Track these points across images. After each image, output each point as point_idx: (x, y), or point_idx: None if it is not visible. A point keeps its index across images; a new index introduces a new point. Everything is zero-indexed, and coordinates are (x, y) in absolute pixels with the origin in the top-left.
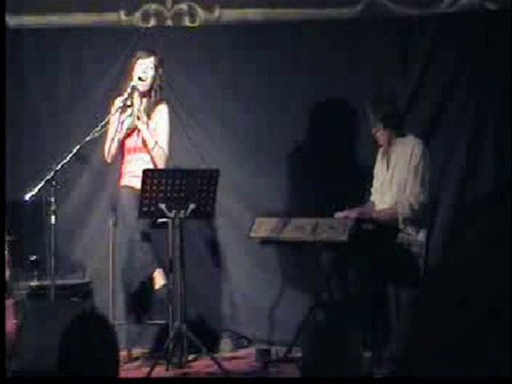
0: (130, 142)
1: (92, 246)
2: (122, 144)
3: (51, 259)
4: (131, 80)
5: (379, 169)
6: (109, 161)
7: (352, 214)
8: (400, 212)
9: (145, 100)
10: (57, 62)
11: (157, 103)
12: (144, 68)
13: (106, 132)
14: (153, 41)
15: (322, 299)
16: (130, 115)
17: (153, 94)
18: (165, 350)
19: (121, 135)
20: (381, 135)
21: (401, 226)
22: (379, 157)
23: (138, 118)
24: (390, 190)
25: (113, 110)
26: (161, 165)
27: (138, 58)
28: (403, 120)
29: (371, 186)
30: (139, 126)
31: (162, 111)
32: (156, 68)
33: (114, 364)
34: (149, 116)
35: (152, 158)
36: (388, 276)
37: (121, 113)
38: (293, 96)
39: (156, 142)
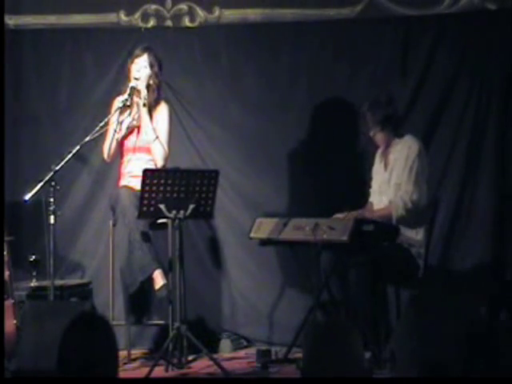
0: (130, 142)
1: (92, 246)
2: (121, 144)
3: (50, 259)
4: (130, 81)
5: (377, 170)
6: (108, 160)
7: (350, 216)
8: (394, 211)
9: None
10: (56, 63)
11: (157, 102)
12: (138, 67)
13: (105, 132)
14: (152, 41)
15: (322, 299)
16: (130, 115)
17: (150, 91)
18: (164, 351)
19: (120, 135)
20: (379, 138)
21: (394, 223)
22: (377, 158)
23: (144, 105)
24: (388, 190)
25: (112, 110)
26: (159, 161)
27: (133, 58)
28: (401, 121)
29: (370, 187)
30: (143, 115)
31: (163, 110)
32: (151, 65)
33: (113, 364)
34: (149, 115)
35: (151, 152)
36: (388, 276)
37: (120, 113)
38: (293, 96)
39: (157, 137)
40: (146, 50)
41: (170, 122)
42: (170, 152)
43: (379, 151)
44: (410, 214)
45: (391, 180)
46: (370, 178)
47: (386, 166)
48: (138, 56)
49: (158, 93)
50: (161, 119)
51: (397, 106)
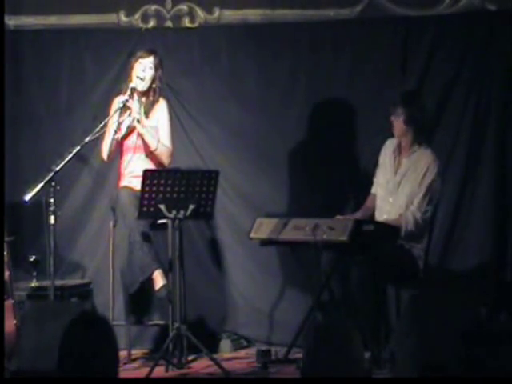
0: (130, 142)
1: (92, 247)
2: (121, 144)
3: (50, 259)
4: (131, 81)
5: (387, 166)
6: (105, 159)
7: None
8: (403, 225)
9: (144, 100)
10: (56, 63)
11: (155, 101)
12: (143, 67)
13: (104, 132)
14: (152, 42)
15: (322, 299)
16: (130, 115)
17: (151, 93)
18: (164, 351)
19: (119, 135)
20: (397, 125)
21: (402, 236)
22: (389, 150)
23: (139, 121)
24: (396, 194)
25: (112, 109)
26: (166, 160)
27: (138, 58)
28: (426, 129)
29: (373, 175)
30: (140, 131)
31: (162, 107)
32: (156, 68)
33: (113, 364)
34: (147, 115)
35: (156, 157)
36: (388, 276)
37: (120, 114)
38: (293, 96)
39: (158, 141)
40: (152, 52)
41: (169, 117)
42: (173, 147)
43: (394, 141)
44: (419, 230)
45: (401, 186)
46: (376, 164)
47: (397, 167)
48: (143, 56)
49: (158, 95)
50: (161, 117)
51: (428, 117)
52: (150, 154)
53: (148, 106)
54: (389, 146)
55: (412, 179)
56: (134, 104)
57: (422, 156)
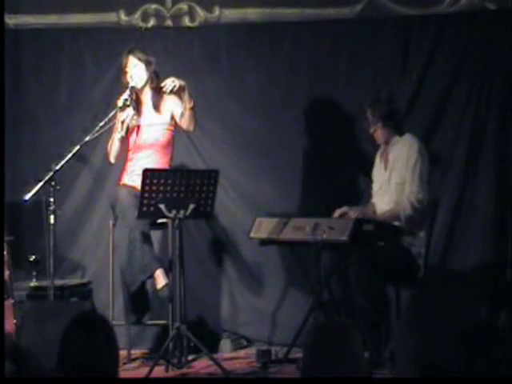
0: (132, 141)
1: (92, 246)
2: (126, 143)
3: (50, 259)
4: (129, 81)
5: (377, 171)
6: (112, 161)
7: (353, 213)
8: (401, 211)
9: (149, 93)
10: (56, 62)
11: (163, 88)
12: (131, 72)
13: (108, 132)
14: (152, 41)
15: (322, 299)
16: (134, 116)
17: (150, 81)
18: (164, 351)
19: (120, 134)
20: (379, 134)
21: (402, 224)
22: (377, 159)
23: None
24: (389, 190)
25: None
26: (191, 127)
27: (124, 69)
28: (402, 119)
29: (371, 189)
30: (167, 89)
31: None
32: (139, 59)
33: (113, 364)
34: (157, 108)
35: (182, 125)
36: (388, 276)
37: (120, 112)
38: (293, 95)
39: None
40: (129, 52)
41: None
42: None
43: (378, 152)
44: (418, 214)
45: (391, 179)
46: (371, 181)
47: (385, 165)
48: (126, 63)
49: (157, 78)
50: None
51: (398, 103)
52: (154, 151)
53: (155, 97)
54: (377, 157)
55: (399, 167)
56: (143, 98)
57: (404, 142)
